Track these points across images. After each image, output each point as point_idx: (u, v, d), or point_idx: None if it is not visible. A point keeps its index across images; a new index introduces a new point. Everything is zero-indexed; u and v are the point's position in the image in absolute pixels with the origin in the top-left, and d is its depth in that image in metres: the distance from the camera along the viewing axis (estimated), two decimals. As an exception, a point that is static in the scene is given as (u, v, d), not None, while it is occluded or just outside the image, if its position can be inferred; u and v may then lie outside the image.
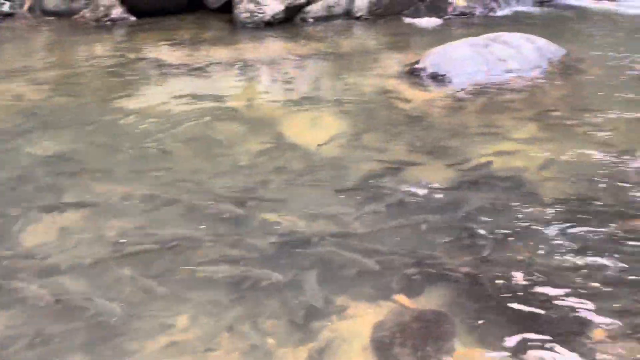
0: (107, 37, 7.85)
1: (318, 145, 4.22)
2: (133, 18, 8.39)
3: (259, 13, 8.00)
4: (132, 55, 6.79)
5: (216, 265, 2.89)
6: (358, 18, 8.51)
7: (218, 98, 5.32)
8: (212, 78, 6.03)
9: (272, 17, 8.03)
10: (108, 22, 8.26)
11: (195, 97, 5.32)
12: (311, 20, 8.37)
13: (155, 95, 5.41)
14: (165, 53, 6.89)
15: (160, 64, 6.47)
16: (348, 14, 8.58)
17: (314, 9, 8.36)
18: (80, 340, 2.44)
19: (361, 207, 3.37)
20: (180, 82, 5.90)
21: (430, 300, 2.64)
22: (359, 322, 2.56)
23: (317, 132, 4.50)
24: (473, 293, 2.64)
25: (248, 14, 8.03)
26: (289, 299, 2.67)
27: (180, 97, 5.31)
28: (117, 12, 8.33)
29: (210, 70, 6.24)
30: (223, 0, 8.48)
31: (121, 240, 3.11)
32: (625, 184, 3.52)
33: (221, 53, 6.85)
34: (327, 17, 8.45)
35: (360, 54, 6.97)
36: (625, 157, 3.87)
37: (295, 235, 3.13)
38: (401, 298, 2.70)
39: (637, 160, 3.81)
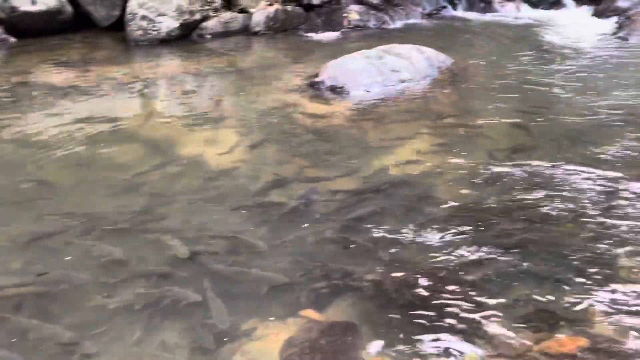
0: (-17, 59, 7.24)
1: (218, 154, 4.17)
2: (13, 39, 7.79)
3: (152, 30, 7.76)
4: (13, 79, 6.30)
5: (114, 296, 2.74)
6: (256, 33, 8.52)
7: (111, 120, 5.06)
8: (105, 99, 5.74)
9: (167, 34, 7.82)
10: (-16, 44, 7.62)
11: (85, 119, 5.03)
12: (208, 36, 8.25)
13: (39, 121, 5.05)
14: (52, 75, 6.47)
15: (45, 87, 6.06)
16: (246, 30, 8.56)
17: (211, 25, 8.26)
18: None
19: (262, 222, 3.35)
20: (68, 105, 5.55)
21: (338, 311, 2.66)
22: (268, 341, 2.52)
23: (216, 149, 4.41)
24: (378, 300, 2.70)
25: (141, 32, 7.76)
26: (197, 322, 2.59)
27: (68, 120, 5.00)
28: (-5, 32, 7.71)
29: (103, 91, 5.94)
30: (114, 18, 8.14)
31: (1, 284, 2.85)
32: (510, 186, 3.75)
33: (114, 72, 6.54)
34: (225, 33, 8.37)
35: (260, 69, 6.97)
36: (509, 160, 4.14)
37: (197, 256, 3.04)
38: (309, 312, 2.69)
39: (520, 162, 4.07)
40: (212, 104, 5.60)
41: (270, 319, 2.64)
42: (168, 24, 7.83)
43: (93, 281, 2.87)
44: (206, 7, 8.16)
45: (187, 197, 3.68)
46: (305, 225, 3.33)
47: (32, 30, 7.80)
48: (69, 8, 8.04)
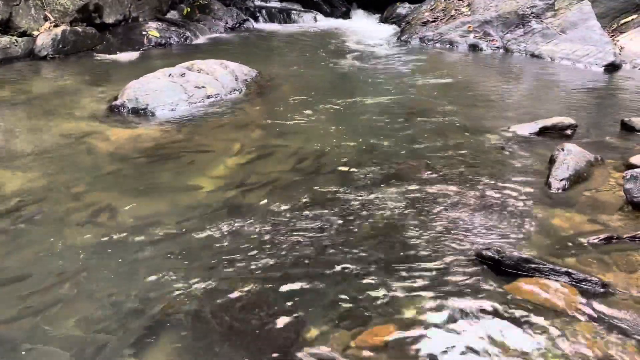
0: None
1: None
2: None
3: None
4: None
5: None
6: (44, 58, 7.72)
7: None
8: None
9: None
10: None
11: None
12: (-16, 65, 7.25)
13: None
14: None
15: None
16: (31, 55, 7.71)
17: (-16, 52, 7.26)
18: None
19: (82, 267, 2.99)
20: None
21: (157, 353, 2.48)
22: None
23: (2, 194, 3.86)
24: (198, 331, 2.57)
25: None
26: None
27: None
28: None
29: None
30: None
31: None
32: (318, 195, 3.89)
33: None
34: (5, 60, 7.43)
35: (52, 97, 6.30)
36: (316, 171, 4.32)
37: None
38: (125, 360, 2.47)
39: (314, 166, 4.32)
40: (-5, 142, 4.89)
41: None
42: None
43: None
44: (-24, 33, 7.15)
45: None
46: (115, 260, 3.06)
47: None
48: None
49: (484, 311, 2.66)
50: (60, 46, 7.83)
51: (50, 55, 7.74)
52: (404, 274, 2.93)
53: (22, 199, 3.77)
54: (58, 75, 7.26)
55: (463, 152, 4.65)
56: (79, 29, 8.18)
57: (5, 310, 2.68)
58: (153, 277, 2.94)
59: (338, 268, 2.99)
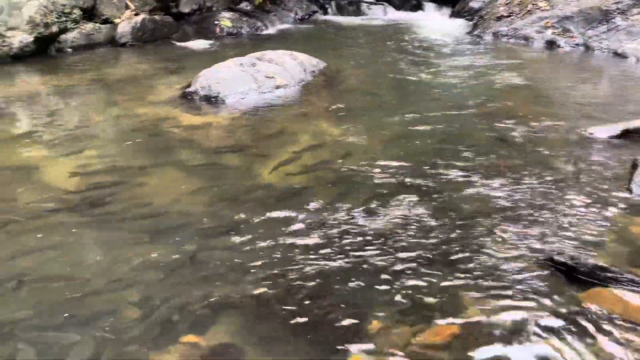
0: None
1: (81, 175, 3.83)
2: None
3: (2, 46, 7.05)
4: None
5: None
6: (124, 45, 8.11)
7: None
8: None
9: (20, 49, 7.16)
10: None
11: None
12: (69, 50, 7.70)
13: None
14: None
15: None
16: (112, 41, 8.12)
17: (71, 37, 7.70)
18: None
19: (154, 249, 3.13)
20: None
21: (219, 333, 2.55)
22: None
23: (80, 170, 4.08)
24: (259, 315, 2.62)
25: (-11, 48, 7.03)
26: None
27: None
28: None
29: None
30: (-46, 33, 7.29)
31: None
32: (379, 186, 3.89)
33: (-42, 95, 5.85)
34: (89, 46, 7.87)
35: (130, 82, 6.61)
36: (373, 156, 4.34)
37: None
38: (190, 337, 2.56)
39: (381, 161, 4.25)
40: (79, 123, 5.18)
41: (150, 348, 2.46)
42: (20, 37, 7.16)
43: None
44: (64, 19, 7.59)
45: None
46: (180, 242, 3.18)
47: None
48: None
49: (553, 318, 2.55)
50: (139, 34, 8.18)
51: (130, 43, 8.10)
52: (471, 274, 2.86)
53: (98, 181, 3.97)
54: (136, 61, 7.59)
55: (538, 154, 4.46)
56: (157, 17, 8.51)
57: (75, 289, 2.84)
58: (216, 263, 3.02)
59: (403, 264, 2.95)
